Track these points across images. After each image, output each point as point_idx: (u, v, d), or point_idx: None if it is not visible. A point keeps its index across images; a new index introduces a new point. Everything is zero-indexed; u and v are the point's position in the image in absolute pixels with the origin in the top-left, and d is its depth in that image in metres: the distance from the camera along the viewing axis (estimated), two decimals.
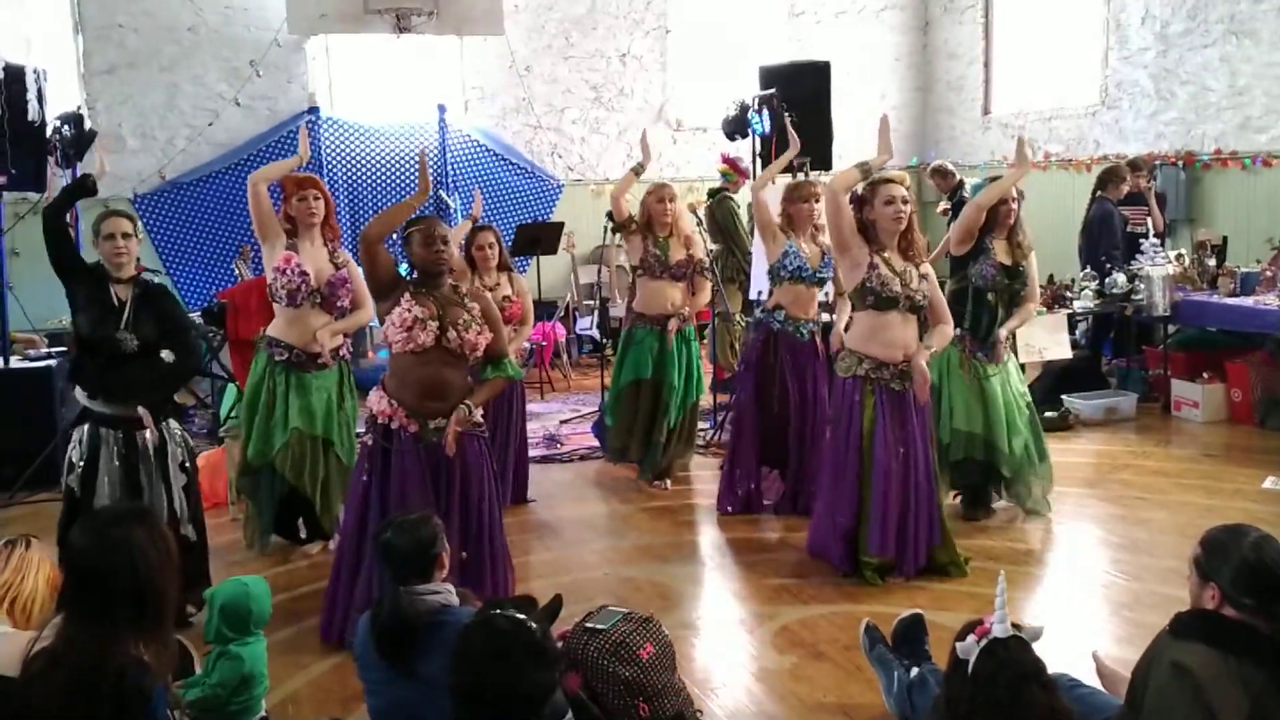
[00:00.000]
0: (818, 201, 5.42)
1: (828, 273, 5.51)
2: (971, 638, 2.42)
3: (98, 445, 4.11)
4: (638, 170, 5.95)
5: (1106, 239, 7.95)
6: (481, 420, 4.07)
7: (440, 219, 4.06)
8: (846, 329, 4.79)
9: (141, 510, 2.59)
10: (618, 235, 6.26)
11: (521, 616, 2.51)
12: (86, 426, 4.14)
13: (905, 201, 4.38)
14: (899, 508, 4.49)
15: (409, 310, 3.89)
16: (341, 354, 5.04)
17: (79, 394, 4.23)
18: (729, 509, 5.59)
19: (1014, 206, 5.22)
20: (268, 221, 4.89)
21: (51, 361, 6.68)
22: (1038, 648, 2.45)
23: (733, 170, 8.41)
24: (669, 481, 6.15)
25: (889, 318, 4.45)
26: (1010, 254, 5.23)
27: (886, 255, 4.44)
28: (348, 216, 10.44)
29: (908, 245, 4.47)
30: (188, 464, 4.29)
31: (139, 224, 4.24)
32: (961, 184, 8.88)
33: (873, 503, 4.46)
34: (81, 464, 4.11)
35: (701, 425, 7.03)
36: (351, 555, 4.04)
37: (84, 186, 4.30)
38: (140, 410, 4.11)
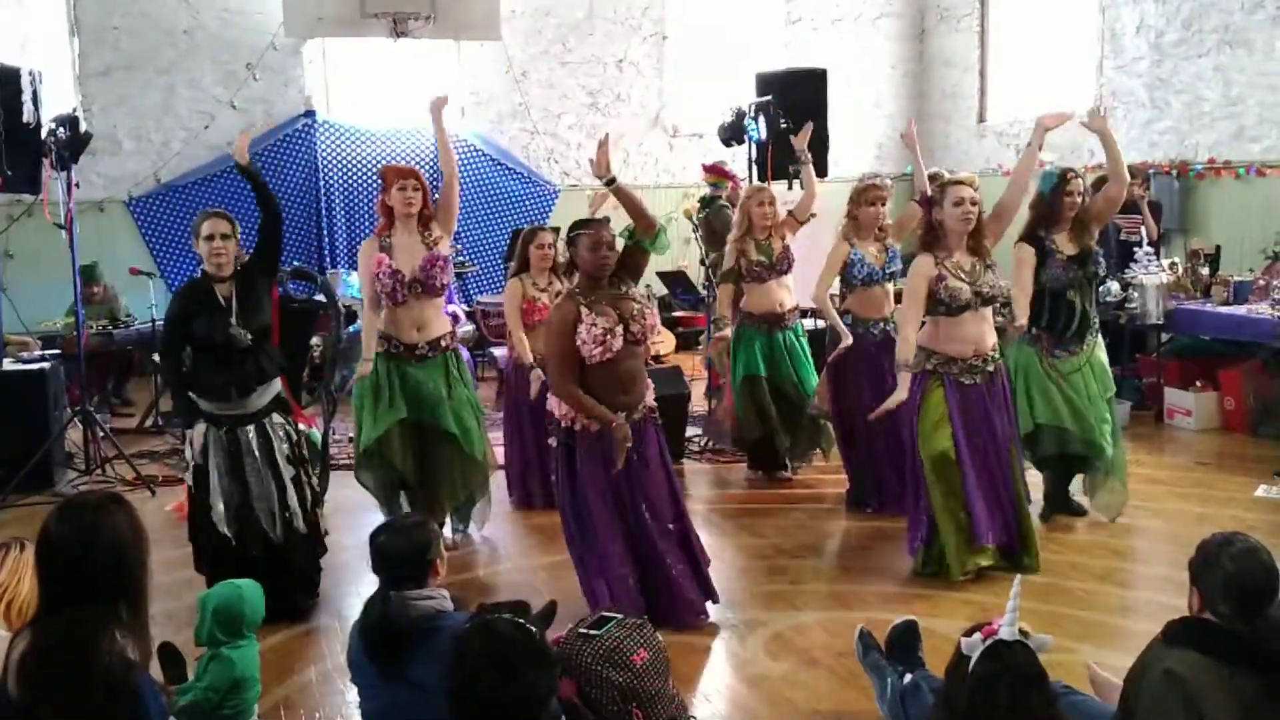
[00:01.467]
0: (883, 205, 5.54)
1: (896, 265, 5.55)
2: (977, 635, 2.43)
3: (207, 445, 4.25)
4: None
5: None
6: (655, 405, 4.22)
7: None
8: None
9: (116, 496, 2.60)
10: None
11: (520, 620, 2.51)
12: (199, 426, 4.27)
13: (974, 203, 4.44)
14: (985, 490, 4.53)
15: (594, 325, 3.93)
16: (444, 344, 5.08)
17: (195, 398, 4.33)
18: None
19: (1078, 199, 5.14)
20: None
21: (45, 364, 6.66)
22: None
23: (722, 177, 8.38)
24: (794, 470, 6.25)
25: (961, 318, 4.50)
26: (1078, 240, 5.14)
27: (954, 260, 4.48)
28: (343, 220, 10.43)
29: (976, 244, 4.52)
30: (294, 454, 4.39)
31: (237, 225, 4.32)
32: None
33: (967, 494, 4.50)
34: (195, 463, 4.27)
35: (695, 431, 7.04)
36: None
37: None
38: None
